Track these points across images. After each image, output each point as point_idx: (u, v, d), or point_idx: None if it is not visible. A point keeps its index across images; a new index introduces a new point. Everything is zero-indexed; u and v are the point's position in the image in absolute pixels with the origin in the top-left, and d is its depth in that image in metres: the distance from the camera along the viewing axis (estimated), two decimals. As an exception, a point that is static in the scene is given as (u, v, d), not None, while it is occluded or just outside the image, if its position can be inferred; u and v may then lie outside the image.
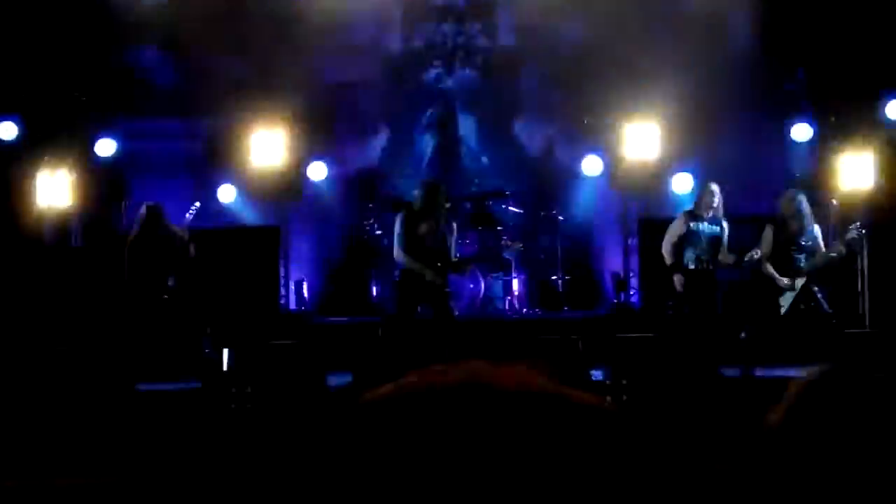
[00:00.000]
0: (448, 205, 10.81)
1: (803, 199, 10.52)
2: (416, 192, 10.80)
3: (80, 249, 13.39)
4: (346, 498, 1.05)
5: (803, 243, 10.43)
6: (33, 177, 13.16)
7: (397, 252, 10.40)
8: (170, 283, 10.54)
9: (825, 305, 10.37)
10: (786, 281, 10.38)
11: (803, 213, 10.44)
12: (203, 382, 8.81)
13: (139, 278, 10.52)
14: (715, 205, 10.77)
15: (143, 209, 10.76)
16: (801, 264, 10.39)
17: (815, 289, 10.39)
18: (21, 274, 12.99)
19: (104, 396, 8.13)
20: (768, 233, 10.52)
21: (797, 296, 10.37)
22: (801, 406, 1.53)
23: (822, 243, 10.53)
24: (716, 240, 10.77)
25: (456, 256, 10.71)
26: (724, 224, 10.87)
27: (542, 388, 1.12)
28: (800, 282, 10.37)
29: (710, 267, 10.68)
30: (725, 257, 10.68)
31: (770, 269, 10.45)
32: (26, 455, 5.74)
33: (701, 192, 11.06)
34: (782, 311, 10.39)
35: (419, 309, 10.58)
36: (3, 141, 13.16)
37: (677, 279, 10.87)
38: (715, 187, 10.86)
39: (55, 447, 6.03)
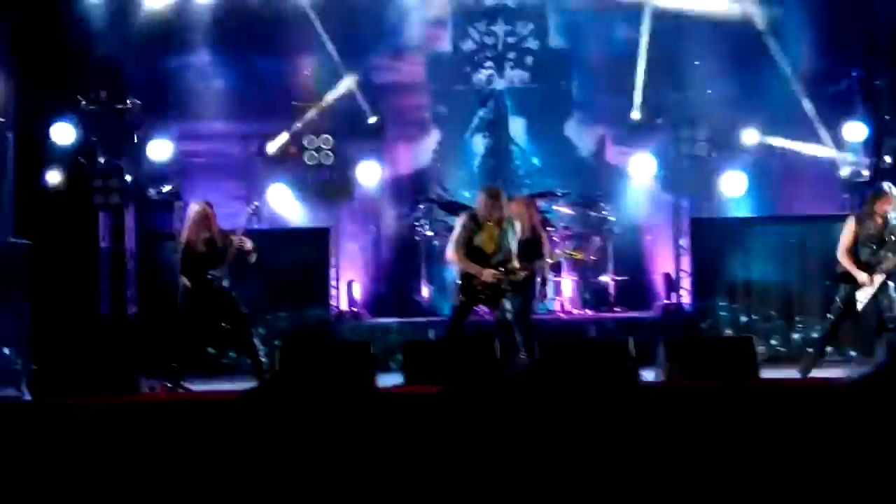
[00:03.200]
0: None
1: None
2: (478, 197, 10.60)
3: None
4: None
5: (886, 239, 10.09)
6: (88, 180, 13.32)
7: (449, 252, 10.38)
8: (224, 283, 10.51)
9: None
10: (864, 276, 10.09)
11: (888, 210, 10.09)
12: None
13: (192, 278, 10.51)
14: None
15: (192, 208, 10.76)
16: (882, 261, 10.06)
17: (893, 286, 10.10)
18: (77, 275, 13.16)
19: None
20: (849, 225, 10.20)
21: (876, 292, 10.11)
22: (846, 406, 1.52)
23: None
24: None
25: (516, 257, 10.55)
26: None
27: None
28: (879, 278, 10.08)
29: None
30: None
31: (848, 262, 10.13)
32: None
33: None
34: (860, 306, 10.15)
35: (475, 309, 10.59)
36: (60, 145, 13.30)
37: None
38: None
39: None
